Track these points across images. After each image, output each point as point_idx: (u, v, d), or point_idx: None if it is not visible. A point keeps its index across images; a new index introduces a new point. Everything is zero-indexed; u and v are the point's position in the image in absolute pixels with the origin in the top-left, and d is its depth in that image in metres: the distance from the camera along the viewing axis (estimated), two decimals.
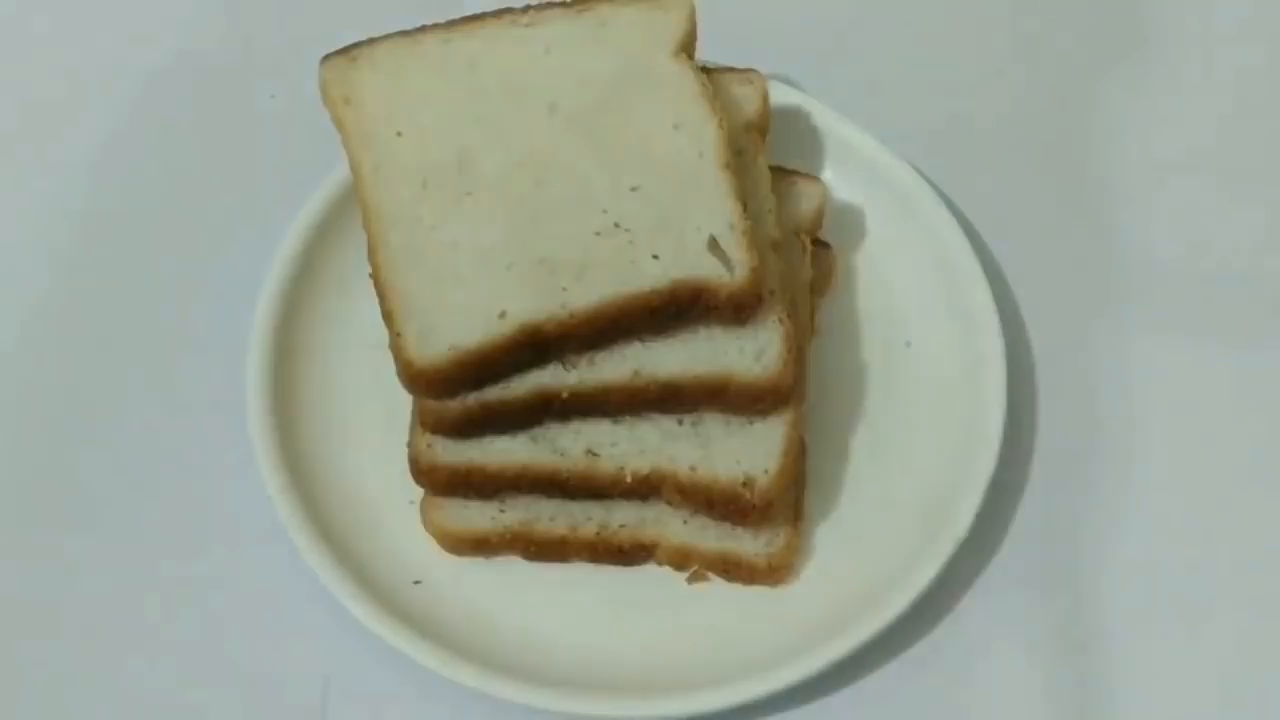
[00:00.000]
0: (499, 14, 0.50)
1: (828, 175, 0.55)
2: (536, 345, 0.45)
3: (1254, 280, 0.55)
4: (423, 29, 0.50)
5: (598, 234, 0.46)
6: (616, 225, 0.46)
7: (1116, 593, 0.49)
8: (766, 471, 0.46)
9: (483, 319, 0.45)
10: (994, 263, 0.54)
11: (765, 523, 0.46)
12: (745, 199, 0.47)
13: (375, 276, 0.46)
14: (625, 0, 0.50)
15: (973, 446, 0.48)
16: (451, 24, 0.50)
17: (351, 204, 0.49)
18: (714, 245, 0.45)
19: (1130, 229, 0.56)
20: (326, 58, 0.49)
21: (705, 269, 0.45)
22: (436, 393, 0.45)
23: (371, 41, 0.50)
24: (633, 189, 0.47)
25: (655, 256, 0.46)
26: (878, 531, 0.48)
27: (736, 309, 0.46)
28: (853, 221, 0.54)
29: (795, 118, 0.55)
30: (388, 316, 0.45)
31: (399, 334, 0.45)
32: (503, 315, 0.45)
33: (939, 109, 0.59)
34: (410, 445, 0.47)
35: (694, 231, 0.46)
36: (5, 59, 0.60)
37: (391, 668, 0.46)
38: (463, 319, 0.45)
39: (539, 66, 0.49)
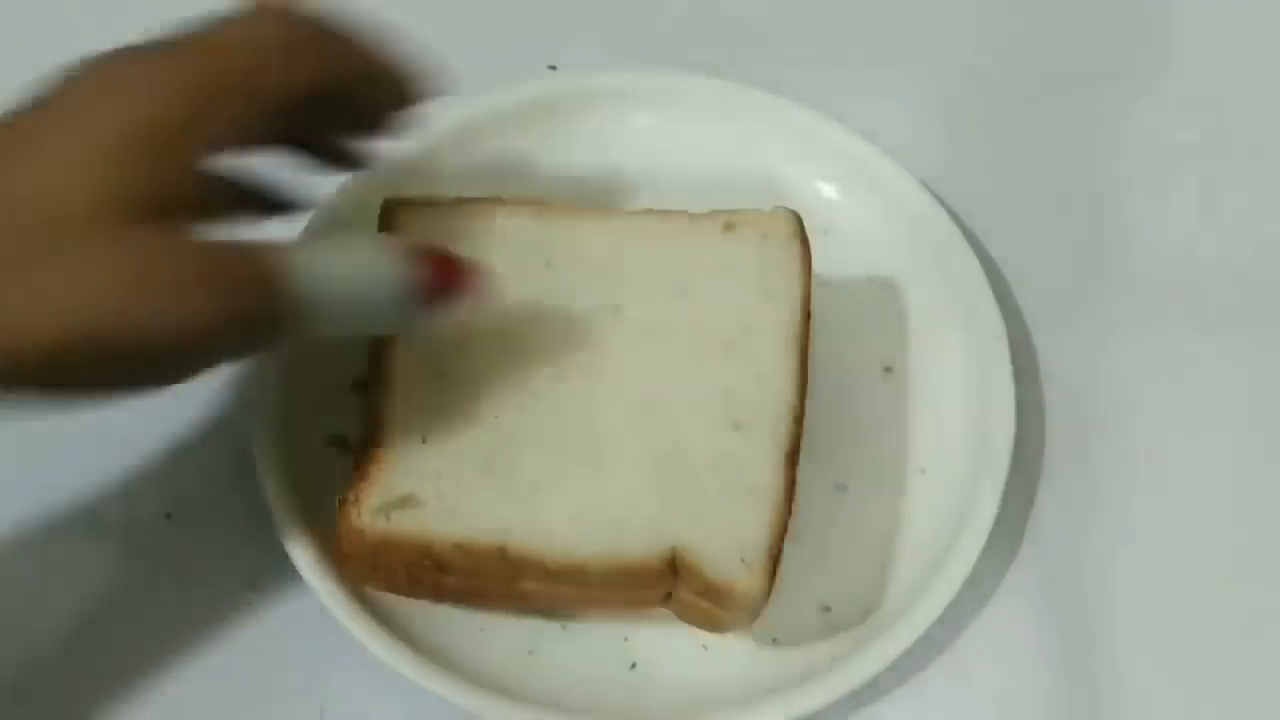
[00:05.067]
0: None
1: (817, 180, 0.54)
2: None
3: (1266, 277, 0.56)
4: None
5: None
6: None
7: (1119, 598, 0.49)
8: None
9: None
10: (994, 265, 0.55)
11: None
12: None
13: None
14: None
15: (978, 480, 0.47)
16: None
17: None
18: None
19: (1135, 227, 0.57)
20: (390, 203, 0.47)
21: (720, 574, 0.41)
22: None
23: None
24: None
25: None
26: (869, 569, 0.47)
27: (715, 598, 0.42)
28: (845, 225, 0.54)
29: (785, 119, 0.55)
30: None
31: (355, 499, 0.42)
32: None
33: (935, 106, 0.59)
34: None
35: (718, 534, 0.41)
36: None
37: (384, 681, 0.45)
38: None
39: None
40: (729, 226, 0.48)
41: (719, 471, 0.43)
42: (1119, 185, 0.58)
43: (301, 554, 0.44)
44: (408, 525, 0.42)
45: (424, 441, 0.43)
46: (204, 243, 0.36)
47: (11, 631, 0.48)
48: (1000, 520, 0.47)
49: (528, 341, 0.45)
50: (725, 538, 0.41)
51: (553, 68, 0.58)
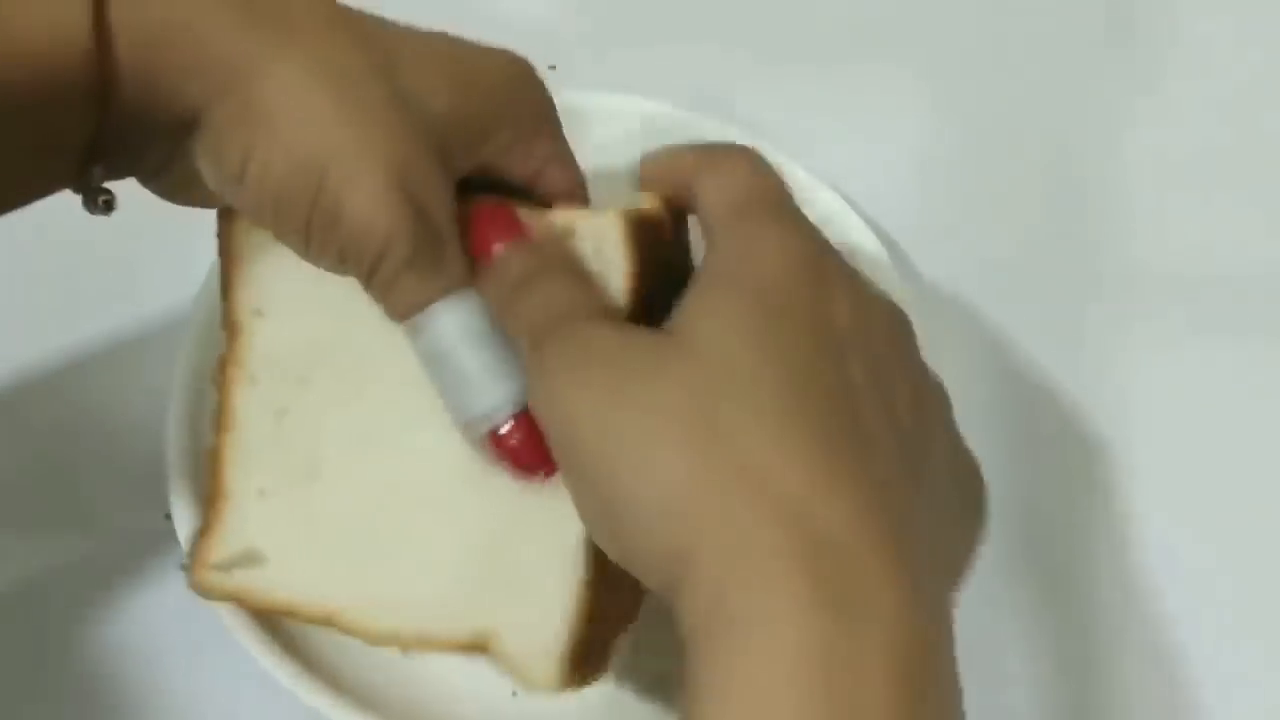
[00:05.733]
0: None
1: None
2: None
3: (1259, 282, 0.56)
4: None
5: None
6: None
7: (1119, 599, 0.49)
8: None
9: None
10: (991, 267, 0.55)
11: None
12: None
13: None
14: None
15: None
16: None
17: None
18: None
19: (1129, 233, 0.57)
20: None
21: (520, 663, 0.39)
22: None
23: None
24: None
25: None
26: None
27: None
28: None
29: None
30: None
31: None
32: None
33: (936, 107, 0.60)
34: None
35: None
36: None
37: None
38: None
39: None
40: (567, 235, 0.41)
41: (538, 558, 0.39)
42: (1119, 190, 0.58)
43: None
44: (248, 583, 0.41)
45: (261, 494, 0.41)
46: (443, 196, 0.38)
47: (15, 630, 0.48)
48: (1001, 520, 0.48)
49: (373, 379, 0.41)
50: (529, 628, 0.39)
51: (553, 68, 0.58)
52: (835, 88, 0.59)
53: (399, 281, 0.37)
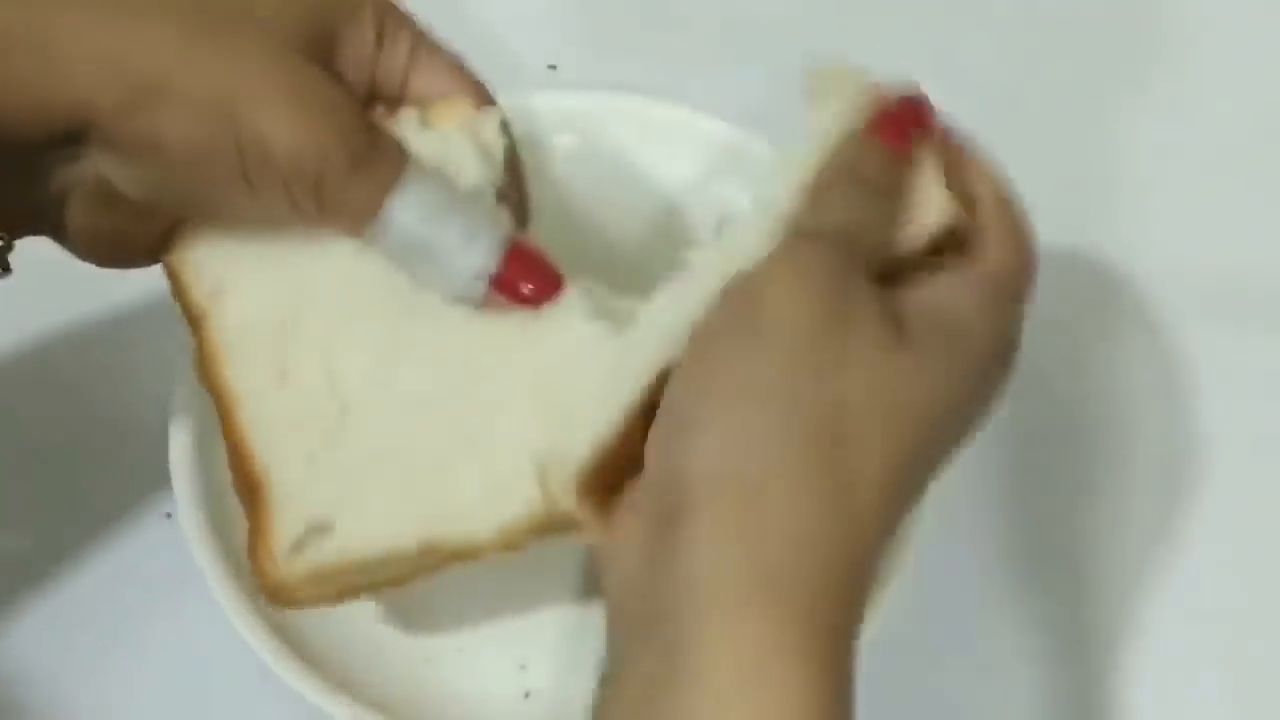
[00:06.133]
0: None
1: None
2: None
3: (1265, 279, 0.56)
4: None
5: None
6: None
7: (1114, 598, 0.49)
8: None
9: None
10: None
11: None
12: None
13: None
14: None
15: None
16: None
17: None
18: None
19: (1131, 231, 0.57)
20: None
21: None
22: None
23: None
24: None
25: None
26: None
27: None
28: None
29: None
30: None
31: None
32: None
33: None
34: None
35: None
36: None
37: None
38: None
39: None
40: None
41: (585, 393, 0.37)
42: (1121, 190, 0.58)
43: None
44: (328, 555, 0.37)
45: (310, 459, 0.38)
46: (352, 99, 0.38)
47: (12, 629, 0.48)
48: (1000, 522, 0.47)
49: (354, 304, 0.40)
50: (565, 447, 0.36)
51: (553, 68, 0.58)
52: None
53: (350, 191, 0.37)
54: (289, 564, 0.37)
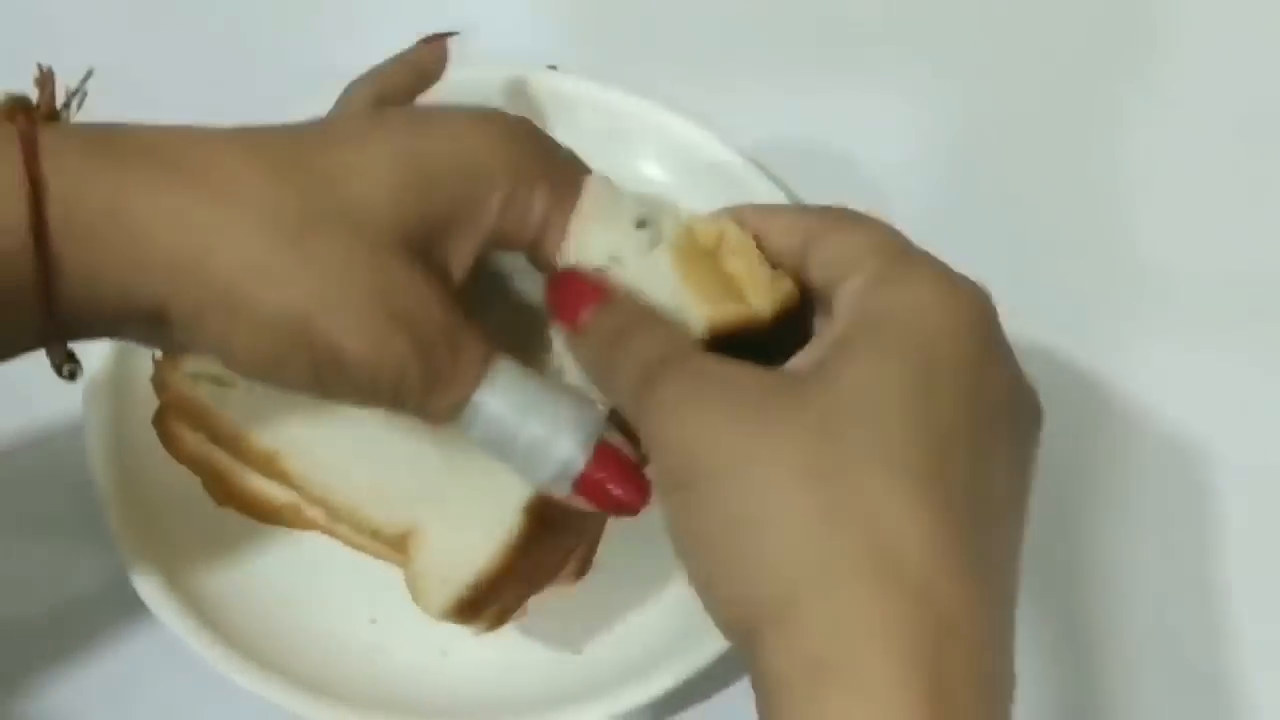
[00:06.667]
0: None
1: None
2: None
3: (1261, 284, 0.56)
4: None
5: None
6: None
7: (1118, 603, 0.49)
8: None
9: None
10: (991, 265, 0.55)
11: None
12: None
13: None
14: None
15: None
16: None
17: None
18: None
19: (1133, 231, 0.57)
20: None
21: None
22: None
23: None
24: None
25: None
26: None
27: None
28: None
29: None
30: None
31: None
32: None
33: (939, 104, 0.60)
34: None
35: None
36: None
37: None
38: None
39: None
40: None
41: (483, 493, 0.40)
42: (1123, 189, 0.58)
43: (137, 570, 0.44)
44: (207, 399, 0.42)
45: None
46: (438, 302, 0.36)
47: None
48: None
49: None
50: (444, 553, 0.40)
51: (553, 67, 0.58)
52: (841, 87, 0.59)
53: (429, 398, 0.36)
54: (181, 379, 0.42)
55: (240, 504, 0.44)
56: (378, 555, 0.42)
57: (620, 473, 0.37)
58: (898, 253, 0.35)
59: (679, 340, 0.36)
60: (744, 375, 0.33)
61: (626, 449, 0.37)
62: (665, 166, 0.55)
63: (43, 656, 0.47)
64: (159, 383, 0.43)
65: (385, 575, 0.41)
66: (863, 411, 0.31)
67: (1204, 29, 0.62)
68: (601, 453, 0.36)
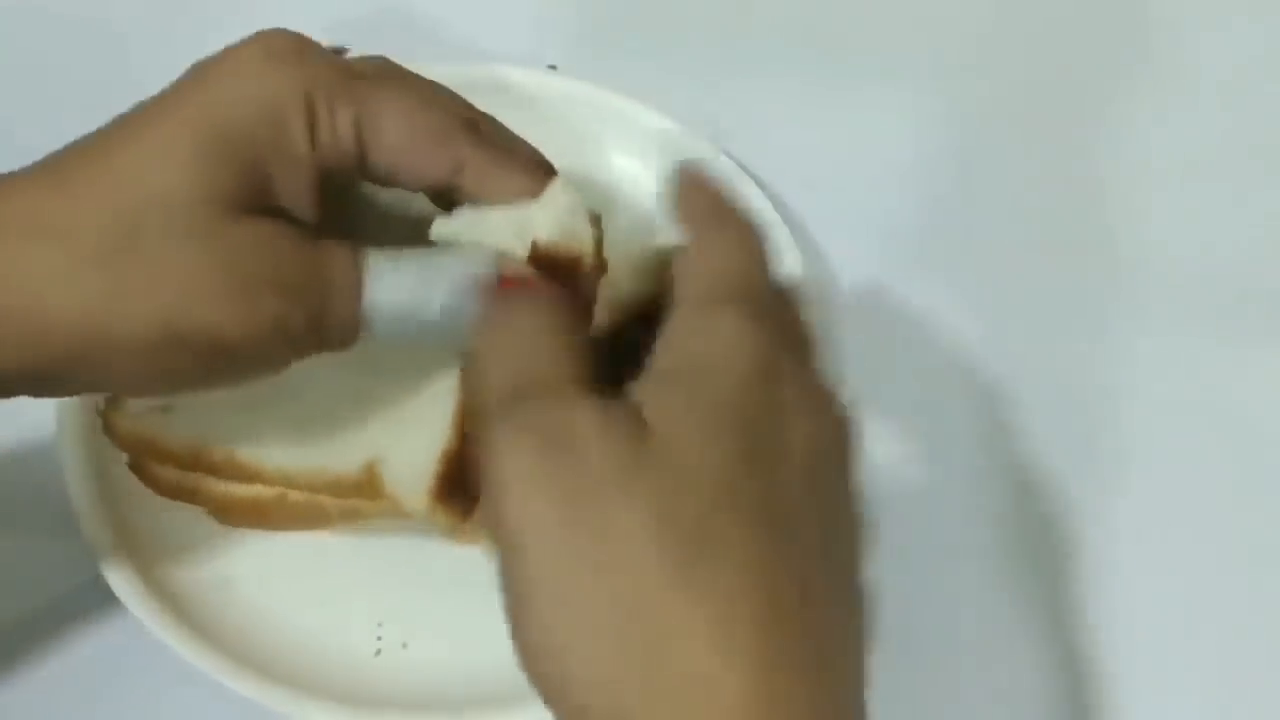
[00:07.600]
0: None
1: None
2: None
3: (1258, 282, 0.56)
4: None
5: None
6: None
7: (1114, 600, 0.48)
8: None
9: None
10: (989, 266, 0.55)
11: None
12: None
13: None
14: None
15: None
16: None
17: None
18: None
19: (1130, 231, 0.57)
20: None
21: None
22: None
23: None
24: None
25: None
26: None
27: None
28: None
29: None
30: None
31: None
32: None
33: (939, 105, 0.60)
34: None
35: None
36: None
37: None
38: None
39: None
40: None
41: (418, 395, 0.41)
42: (1125, 189, 0.58)
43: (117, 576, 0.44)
44: (155, 427, 0.43)
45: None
46: (286, 244, 0.36)
47: None
48: (1000, 522, 0.48)
49: None
50: (407, 453, 0.41)
51: (553, 67, 0.58)
52: (839, 88, 0.59)
53: (324, 331, 0.36)
54: (128, 421, 0.43)
55: (242, 519, 0.45)
56: (380, 515, 0.43)
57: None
58: (711, 289, 0.33)
59: (568, 370, 0.32)
60: (605, 432, 0.31)
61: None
62: (652, 166, 0.55)
63: (11, 652, 0.46)
64: (109, 428, 0.43)
65: (365, 571, 0.42)
66: (684, 479, 0.30)
67: (1202, 29, 0.62)
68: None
